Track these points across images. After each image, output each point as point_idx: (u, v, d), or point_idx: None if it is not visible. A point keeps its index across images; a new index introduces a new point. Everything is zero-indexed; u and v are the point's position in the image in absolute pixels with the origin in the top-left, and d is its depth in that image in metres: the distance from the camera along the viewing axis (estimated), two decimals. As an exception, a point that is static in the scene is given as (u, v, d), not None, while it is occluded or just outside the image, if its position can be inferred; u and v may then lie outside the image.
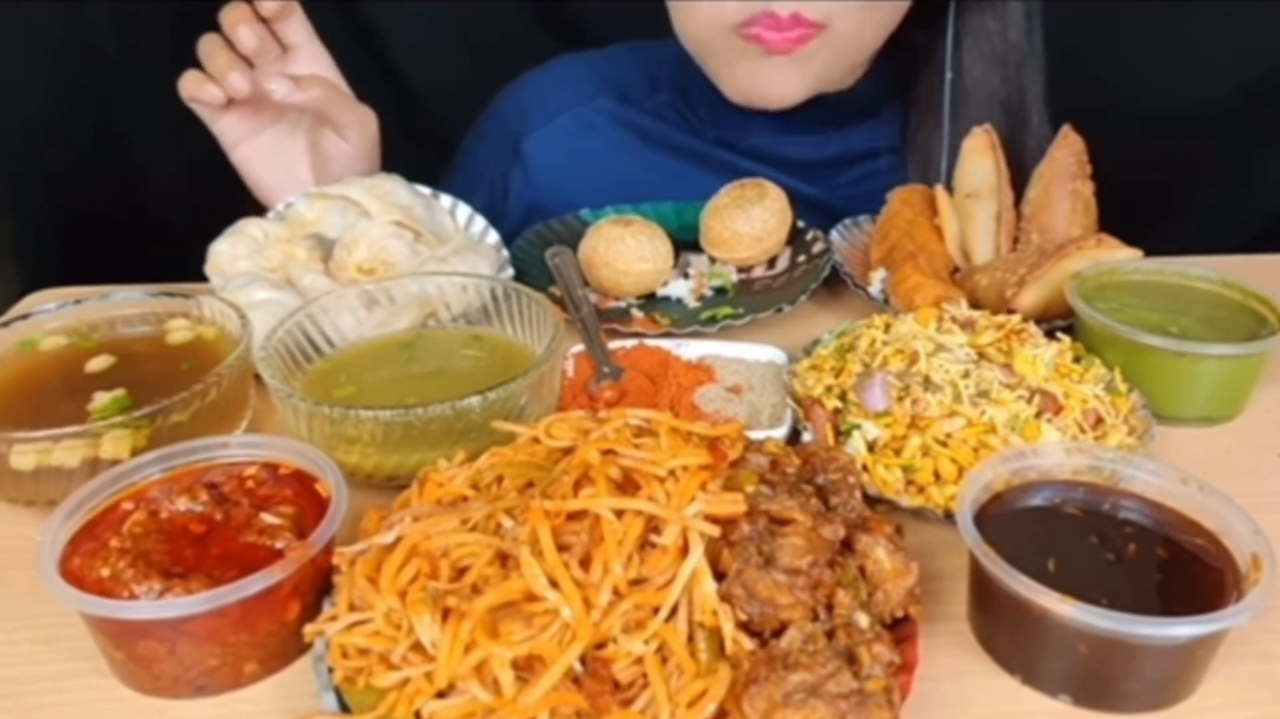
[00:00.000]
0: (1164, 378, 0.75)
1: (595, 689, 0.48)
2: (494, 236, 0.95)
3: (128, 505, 0.59)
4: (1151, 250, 0.86)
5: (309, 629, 0.54)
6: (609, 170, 1.13)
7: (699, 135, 1.12)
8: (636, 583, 0.51)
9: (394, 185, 0.91)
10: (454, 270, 0.84)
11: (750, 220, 0.96)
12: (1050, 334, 0.77)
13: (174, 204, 1.30)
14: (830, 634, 0.50)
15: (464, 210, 0.97)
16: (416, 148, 1.15)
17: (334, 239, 0.87)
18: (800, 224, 1.01)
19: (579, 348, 0.83)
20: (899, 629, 0.54)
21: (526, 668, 0.49)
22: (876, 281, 0.93)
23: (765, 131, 1.09)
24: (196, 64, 0.91)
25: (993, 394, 0.70)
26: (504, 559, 0.53)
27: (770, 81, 0.98)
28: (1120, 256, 0.85)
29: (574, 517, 0.53)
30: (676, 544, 0.51)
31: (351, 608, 0.53)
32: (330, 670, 0.52)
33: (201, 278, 0.86)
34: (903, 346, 0.74)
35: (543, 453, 0.59)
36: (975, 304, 0.85)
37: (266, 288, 0.81)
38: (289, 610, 0.55)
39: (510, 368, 0.73)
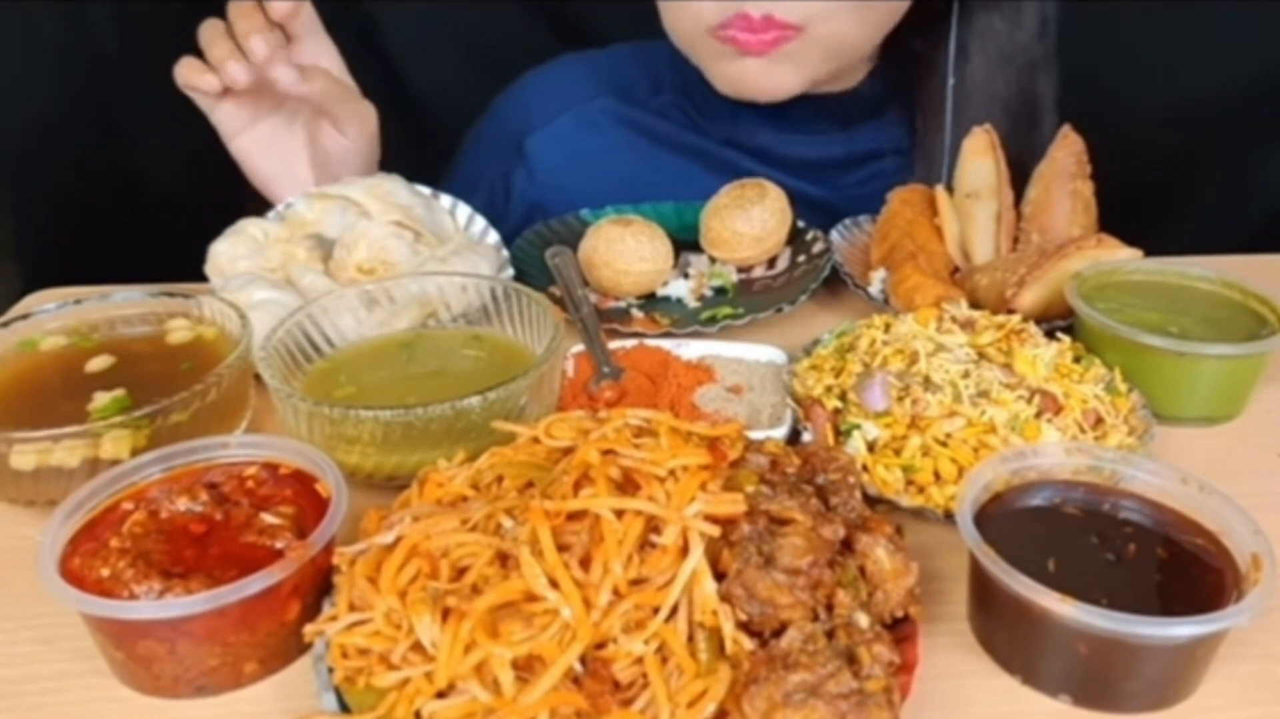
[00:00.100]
0: (1164, 378, 0.75)
1: (595, 689, 0.48)
2: (494, 236, 0.95)
3: (128, 505, 0.59)
4: (1151, 250, 0.86)
5: (309, 629, 0.54)
6: (612, 169, 1.13)
7: (703, 134, 1.12)
8: (636, 583, 0.51)
9: (394, 185, 0.91)
10: (454, 270, 0.84)
11: (750, 220, 0.96)
12: (1050, 334, 0.77)
13: (174, 204, 1.30)
14: (830, 634, 0.50)
15: (464, 210, 0.97)
16: (416, 148, 1.15)
17: (334, 239, 0.87)
18: (800, 224, 1.01)
19: (579, 348, 0.83)
20: (899, 629, 0.54)
21: (526, 668, 0.49)
22: (876, 281, 0.93)
23: (769, 131, 1.09)
24: (197, 54, 0.90)
25: (993, 394, 0.70)
26: (504, 559, 0.53)
27: (757, 77, 0.98)
28: (1120, 256, 0.85)
29: (574, 517, 0.53)
30: (676, 544, 0.51)
31: (351, 608, 0.53)
32: (330, 670, 0.52)
33: (201, 278, 0.86)
34: (903, 346, 0.74)
35: (543, 453, 0.59)
36: (975, 304, 0.85)
37: (266, 288, 0.81)
38: (289, 610, 0.55)
39: (510, 368, 0.73)
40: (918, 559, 0.55)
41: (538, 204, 1.13)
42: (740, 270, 0.98)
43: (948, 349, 0.73)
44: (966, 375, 0.71)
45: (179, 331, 0.79)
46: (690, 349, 0.83)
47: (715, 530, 0.52)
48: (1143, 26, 1.35)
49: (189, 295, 0.80)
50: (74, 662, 0.57)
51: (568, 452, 0.58)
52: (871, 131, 1.11)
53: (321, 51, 0.96)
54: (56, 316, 0.78)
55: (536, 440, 0.60)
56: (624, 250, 0.92)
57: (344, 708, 0.51)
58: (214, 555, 0.56)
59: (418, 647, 0.50)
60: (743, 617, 0.50)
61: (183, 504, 0.59)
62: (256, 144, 0.97)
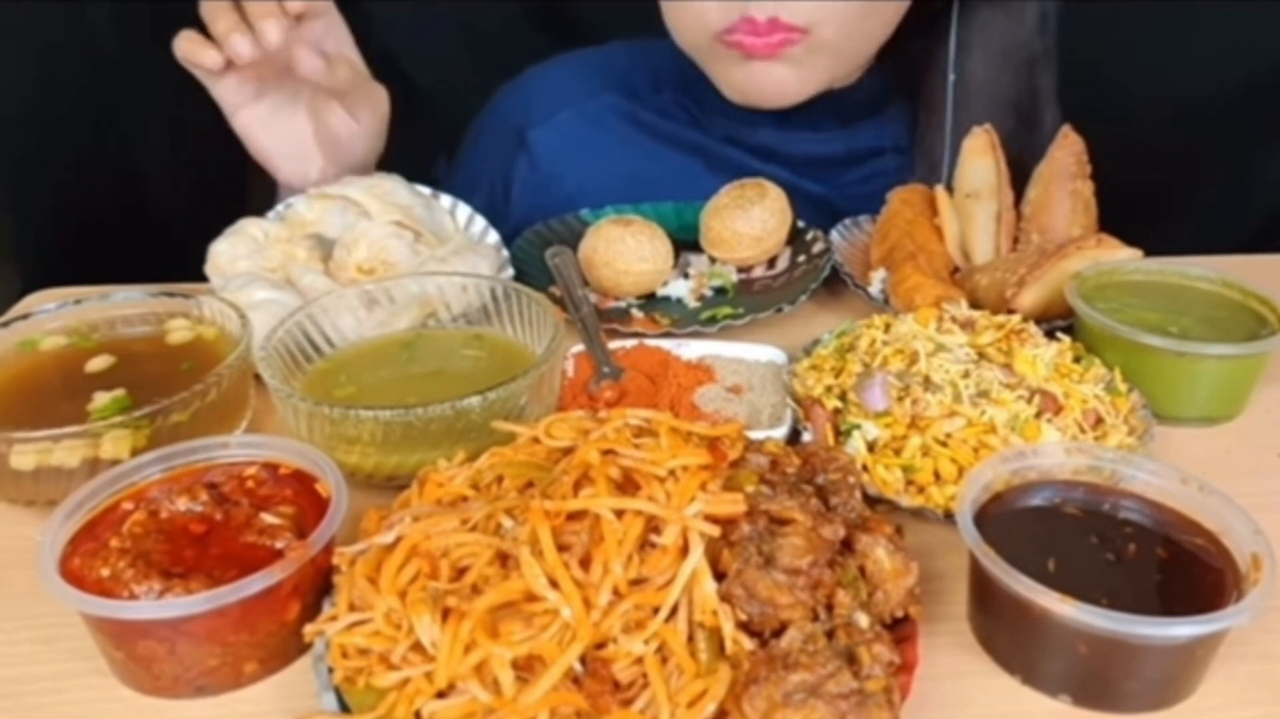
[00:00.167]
0: (1164, 378, 0.75)
1: (595, 689, 0.48)
2: (494, 236, 0.95)
3: (128, 505, 0.59)
4: (1151, 250, 0.86)
5: (309, 629, 0.54)
6: (614, 165, 1.13)
7: (704, 132, 1.12)
8: (636, 583, 0.51)
9: (394, 185, 0.91)
10: (454, 270, 0.84)
11: (750, 220, 0.96)
12: (1050, 334, 0.77)
13: (174, 204, 1.30)
14: (830, 634, 0.50)
15: (464, 210, 0.97)
16: (417, 146, 1.15)
17: (334, 239, 0.87)
18: (800, 224, 1.01)
19: (579, 348, 0.83)
20: (899, 629, 0.54)
21: (526, 668, 0.49)
22: (876, 281, 0.93)
23: (770, 128, 1.09)
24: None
25: (993, 394, 0.70)
26: (504, 559, 0.53)
27: (765, 81, 0.98)
28: (1120, 256, 0.85)
29: (574, 517, 0.53)
30: (676, 544, 0.51)
31: (351, 608, 0.53)
32: (330, 670, 0.52)
33: (201, 278, 0.86)
34: (903, 346, 0.74)
35: (543, 453, 0.59)
36: (975, 304, 0.85)
37: (266, 288, 0.81)
38: (289, 610, 0.55)
39: (510, 368, 0.73)
40: (918, 559, 0.55)
41: (541, 191, 1.13)
42: (740, 270, 0.98)
43: (948, 349, 0.73)
44: (966, 375, 0.71)
45: (179, 332, 0.79)
46: (690, 349, 0.83)
47: (715, 530, 0.52)
48: (1143, 26, 1.35)
49: (189, 295, 0.80)
50: (74, 662, 0.57)
51: (568, 452, 0.58)
52: (872, 129, 1.12)
53: (334, 27, 0.95)
54: (56, 316, 0.78)
55: (536, 440, 0.60)
56: (624, 250, 0.92)
57: (344, 708, 0.51)
58: (214, 555, 0.56)
59: (418, 647, 0.50)
60: (743, 617, 0.50)
61: (183, 504, 0.59)
62: (259, 120, 0.95)
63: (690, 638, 0.50)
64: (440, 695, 0.49)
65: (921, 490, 0.67)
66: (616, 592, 0.50)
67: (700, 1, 0.95)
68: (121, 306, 0.80)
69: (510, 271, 0.91)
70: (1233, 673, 0.55)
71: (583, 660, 0.49)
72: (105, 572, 0.53)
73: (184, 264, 0.89)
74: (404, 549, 0.53)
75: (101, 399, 0.70)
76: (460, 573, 0.53)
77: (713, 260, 0.99)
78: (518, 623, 0.50)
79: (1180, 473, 0.59)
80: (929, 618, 0.58)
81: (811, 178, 1.09)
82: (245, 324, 0.74)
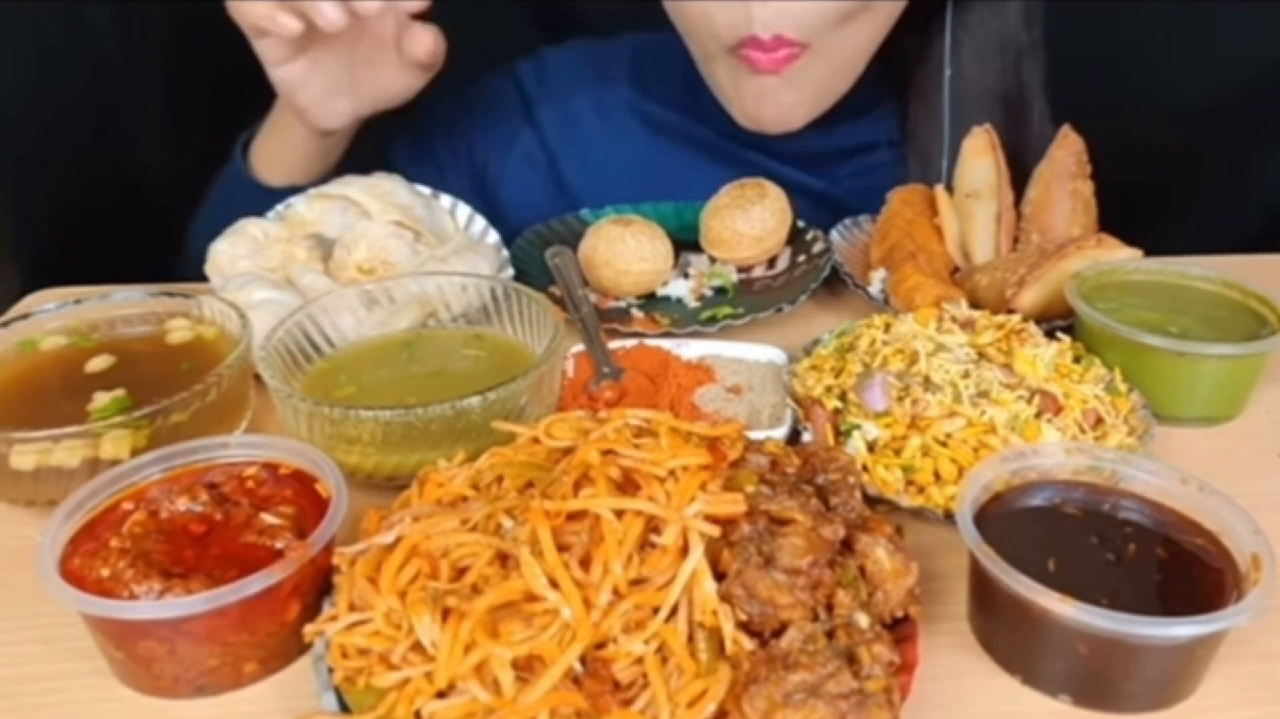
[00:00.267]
0: (1164, 378, 0.75)
1: (595, 689, 0.48)
2: (494, 236, 0.96)
3: (128, 505, 0.59)
4: (1151, 250, 0.86)
5: (309, 629, 0.54)
6: (616, 156, 1.14)
7: (706, 125, 1.12)
8: (636, 583, 0.51)
9: (394, 185, 0.91)
10: (454, 270, 0.84)
11: (750, 220, 0.96)
12: (1050, 334, 0.77)
13: (174, 204, 1.30)
14: (830, 634, 0.50)
15: (464, 210, 0.97)
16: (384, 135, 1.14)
17: (334, 239, 0.87)
18: (800, 224, 1.01)
19: (579, 348, 0.83)
20: (899, 629, 0.54)
21: (526, 668, 0.49)
22: (876, 281, 0.93)
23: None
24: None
25: (993, 394, 0.70)
26: (504, 559, 0.53)
27: (774, 96, 0.98)
28: (1120, 256, 0.85)
29: (574, 517, 0.53)
30: (676, 544, 0.51)
31: (351, 608, 0.53)
32: (330, 670, 0.52)
33: (201, 278, 0.86)
34: (903, 346, 0.74)
35: (543, 453, 0.59)
36: (975, 304, 0.85)
37: (266, 288, 0.81)
38: (289, 610, 0.55)
39: (510, 368, 0.73)
40: (918, 559, 0.55)
41: (539, 168, 1.14)
42: (740, 270, 0.98)
43: (948, 349, 0.73)
44: (966, 375, 0.71)
45: (179, 332, 0.79)
46: (690, 349, 0.83)
47: (715, 530, 0.52)
48: (1143, 26, 1.35)
49: (189, 295, 0.80)
50: (74, 662, 0.57)
51: (568, 452, 0.58)
52: (867, 123, 1.12)
53: None
54: (56, 316, 0.78)
55: (536, 440, 0.60)
56: (624, 250, 0.92)
57: (344, 708, 0.51)
58: (214, 555, 0.56)
59: (418, 647, 0.50)
60: (743, 617, 0.50)
61: (183, 504, 0.59)
62: (297, 75, 0.91)
63: (690, 638, 0.50)
64: (440, 695, 0.49)
65: (921, 490, 0.67)
66: (616, 592, 0.50)
67: (706, 1, 0.95)
68: (121, 306, 0.80)
69: (510, 271, 0.91)
70: (1233, 673, 0.55)
71: (583, 660, 0.49)
72: (105, 572, 0.53)
73: (184, 264, 0.89)
74: (404, 549, 0.53)
75: (101, 399, 0.70)
76: (460, 573, 0.53)
77: (713, 260, 0.99)
78: (518, 623, 0.50)
79: (1180, 473, 0.59)
80: (929, 618, 0.58)
81: (808, 171, 1.09)
82: (245, 324, 0.74)
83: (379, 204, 0.88)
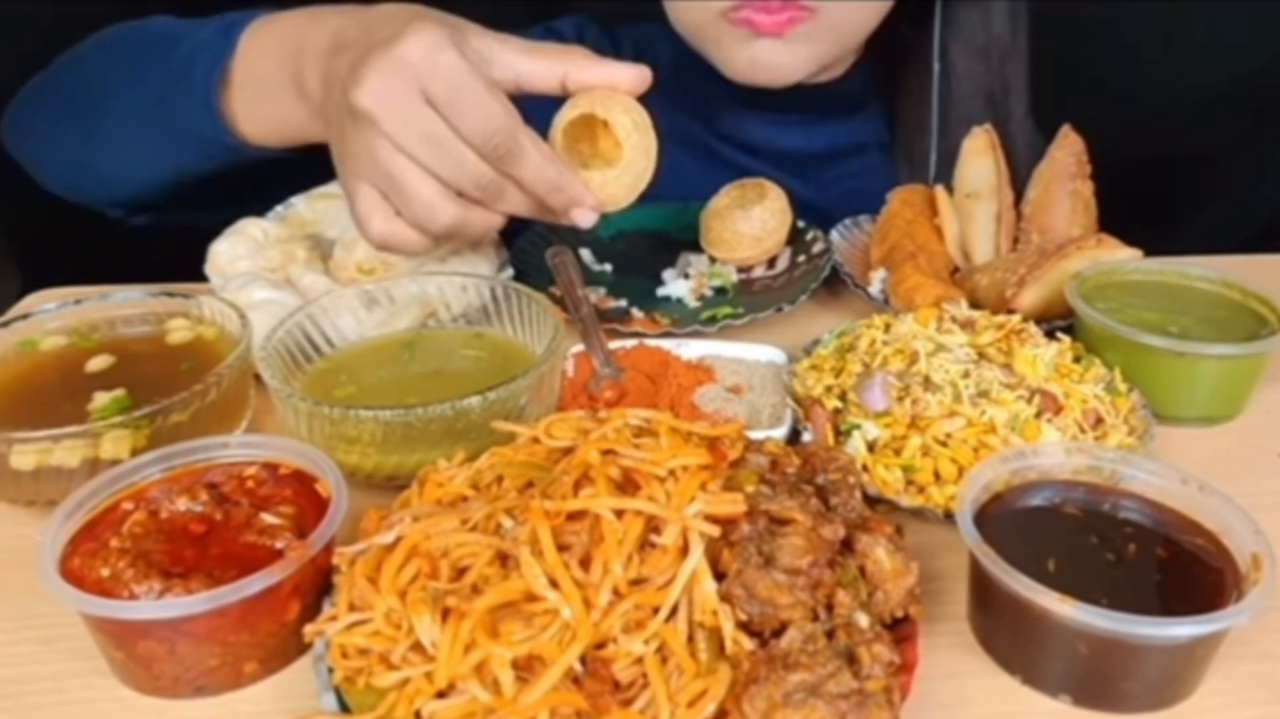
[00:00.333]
0: (1164, 378, 0.75)
1: (595, 689, 0.48)
2: (494, 236, 0.95)
3: (128, 505, 0.59)
4: (1151, 250, 0.86)
5: (309, 629, 0.54)
6: None
7: (694, 123, 1.12)
8: (636, 583, 0.51)
9: (394, 185, 0.91)
10: (454, 270, 0.84)
11: (751, 220, 0.96)
12: (1050, 334, 0.77)
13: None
14: (830, 634, 0.50)
15: (464, 210, 0.97)
16: None
17: (334, 239, 0.87)
18: (800, 224, 1.01)
19: (579, 348, 0.83)
20: (899, 629, 0.54)
21: (526, 668, 0.49)
22: (876, 281, 0.93)
23: (758, 122, 1.09)
24: None
25: (993, 394, 0.70)
26: (504, 559, 0.53)
27: (769, 58, 0.97)
28: (1120, 256, 0.85)
29: (574, 517, 0.53)
30: (676, 544, 0.51)
31: (351, 608, 0.53)
32: (330, 670, 0.52)
33: (201, 278, 0.86)
34: (903, 347, 0.74)
35: (543, 453, 0.59)
36: (975, 304, 0.85)
37: (266, 288, 0.81)
38: (289, 610, 0.55)
39: (510, 368, 0.73)
40: (918, 559, 0.55)
41: None
42: (740, 270, 0.98)
43: (948, 349, 0.73)
44: (966, 375, 0.71)
45: (179, 332, 0.79)
46: (690, 349, 0.83)
47: (715, 530, 0.52)
48: (1143, 26, 1.35)
49: (189, 295, 0.80)
50: (74, 662, 0.57)
51: (568, 452, 0.58)
52: (857, 124, 1.12)
53: None
54: (56, 316, 0.78)
55: (536, 440, 0.60)
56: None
57: (344, 708, 0.51)
58: (214, 555, 0.56)
59: (418, 647, 0.50)
60: (743, 617, 0.50)
61: (183, 504, 0.59)
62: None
63: (690, 638, 0.50)
64: (440, 695, 0.49)
65: (921, 490, 0.67)
66: (616, 592, 0.50)
67: None
68: (121, 306, 0.79)
69: (510, 271, 0.91)
70: (1233, 673, 0.55)
71: (583, 660, 0.49)
72: (105, 572, 0.53)
73: (184, 264, 0.89)
74: (404, 549, 0.53)
75: (101, 399, 0.70)
76: (460, 573, 0.53)
77: (712, 260, 0.99)
78: (518, 623, 0.50)
79: (1180, 473, 0.59)
80: (929, 618, 0.58)
81: (797, 176, 1.09)
82: (245, 324, 0.74)
83: (379, 204, 0.88)
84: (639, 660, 0.49)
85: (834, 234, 1.00)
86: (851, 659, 0.48)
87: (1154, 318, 0.78)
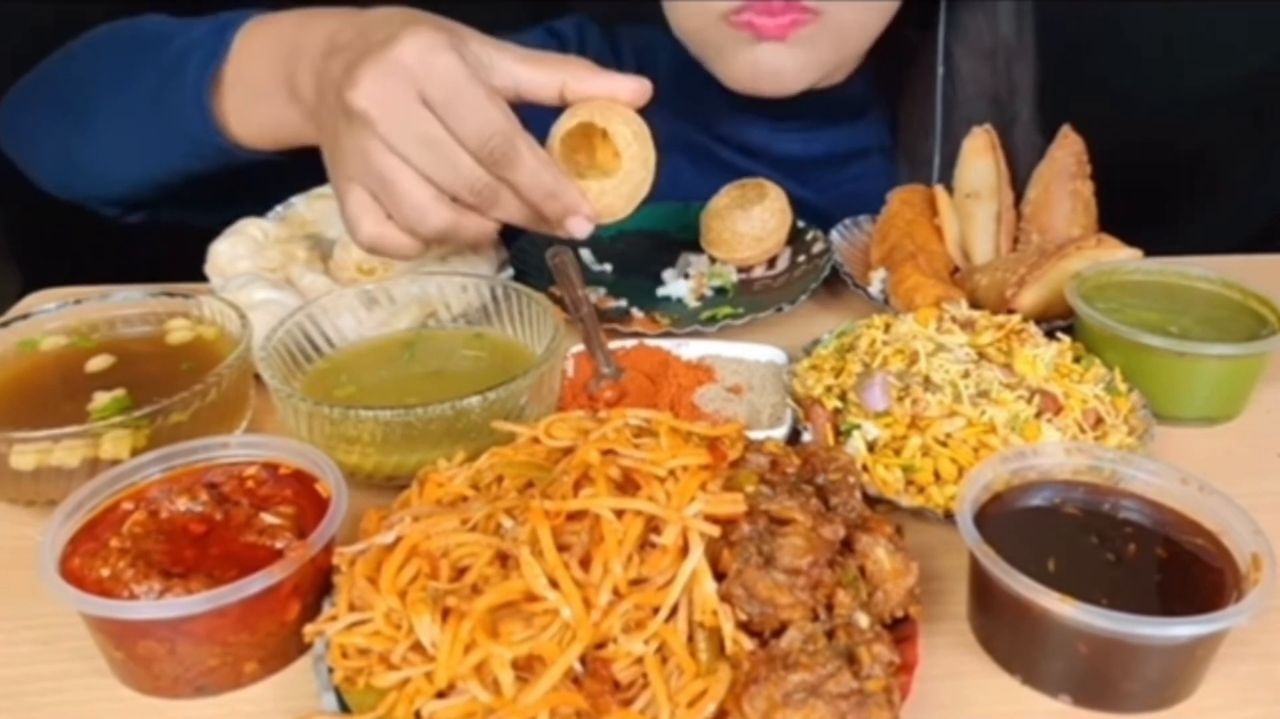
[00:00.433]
0: (1164, 378, 0.75)
1: (595, 689, 0.48)
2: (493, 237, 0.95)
3: (128, 505, 0.59)
4: (1151, 250, 0.86)
5: (309, 629, 0.54)
6: None
7: (693, 128, 1.12)
8: (636, 583, 0.51)
9: (394, 185, 0.91)
10: (454, 270, 0.84)
11: (751, 221, 0.96)
12: (1050, 334, 0.77)
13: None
14: (830, 634, 0.50)
15: (464, 210, 0.97)
16: None
17: (334, 239, 0.87)
18: (800, 224, 1.01)
19: (579, 348, 0.83)
20: (899, 629, 0.54)
21: (526, 668, 0.49)
22: (876, 281, 0.93)
23: (759, 127, 1.09)
24: None
25: (993, 394, 0.70)
26: (504, 559, 0.53)
27: (771, 63, 0.97)
28: (1120, 256, 0.85)
29: (574, 517, 0.53)
30: (676, 544, 0.51)
31: (351, 608, 0.53)
32: (330, 670, 0.52)
33: (201, 278, 0.86)
34: (903, 346, 0.74)
35: (543, 453, 0.59)
36: (975, 304, 0.85)
37: (266, 288, 0.81)
38: (289, 610, 0.55)
39: (510, 368, 0.73)
40: (918, 559, 0.55)
41: None
42: (740, 270, 0.98)
43: (948, 349, 0.73)
44: (966, 375, 0.71)
45: (179, 332, 0.79)
46: (690, 349, 0.83)
47: (715, 530, 0.52)
48: (1143, 26, 1.35)
49: (189, 295, 0.80)
50: (74, 662, 0.57)
51: (568, 452, 0.58)
52: (859, 129, 1.12)
53: None
54: (56, 316, 0.78)
55: (536, 440, 0.60)
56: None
57: (344, 708, 0.51)
58: (214, 555, 0.56)
59: (418, 647, 0.50)
60: (743, 617, 0.50)
61: (183, 504, 0.59)
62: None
63: (690, 638, 0.50)
64: (440, 695, 0.49)
65: (921, 490, 0.67)
66: (616, 592, 0.50)
67: None
68: (121, 307, 0.79)
69: (510, 271, 0.91)
70: (1233, 673, 0.55)
71: (583, 660, 0.49)
72: (105, 572, 0.53)
73: (184, 264, 0.89)
74: (404, 549, 0.53)
75: (101, 399, 0.70)
76: (460, 573, 0.53)
77: (713, 260, 0.99)
78: (518, 623, 0.50)
79: (1180, 473, 0.59)
80: (929, 618, 0.58)
81: (796, 179, 1.09)
82: (245, 324, 0.74)
83: (379, 204, 0.88)
84: (639, 660, 0.49)
85: (834, 234, 1.00)
86: (851, 659, 0.48)
87: (1154, 318, 0.78)
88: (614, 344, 0.84)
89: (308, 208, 0.89)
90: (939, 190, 0.99)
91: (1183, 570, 0.56)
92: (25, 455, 0.64)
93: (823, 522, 0.54)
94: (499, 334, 0.80)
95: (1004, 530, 0.56)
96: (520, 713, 0.47)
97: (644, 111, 0.77)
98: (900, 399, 0.70)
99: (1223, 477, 0.60)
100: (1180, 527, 0.58)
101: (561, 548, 0.51)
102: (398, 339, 0.79)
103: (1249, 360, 0.75)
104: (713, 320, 0.88)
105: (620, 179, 0.75)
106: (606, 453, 0.55)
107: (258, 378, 0.72)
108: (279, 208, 0.93)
